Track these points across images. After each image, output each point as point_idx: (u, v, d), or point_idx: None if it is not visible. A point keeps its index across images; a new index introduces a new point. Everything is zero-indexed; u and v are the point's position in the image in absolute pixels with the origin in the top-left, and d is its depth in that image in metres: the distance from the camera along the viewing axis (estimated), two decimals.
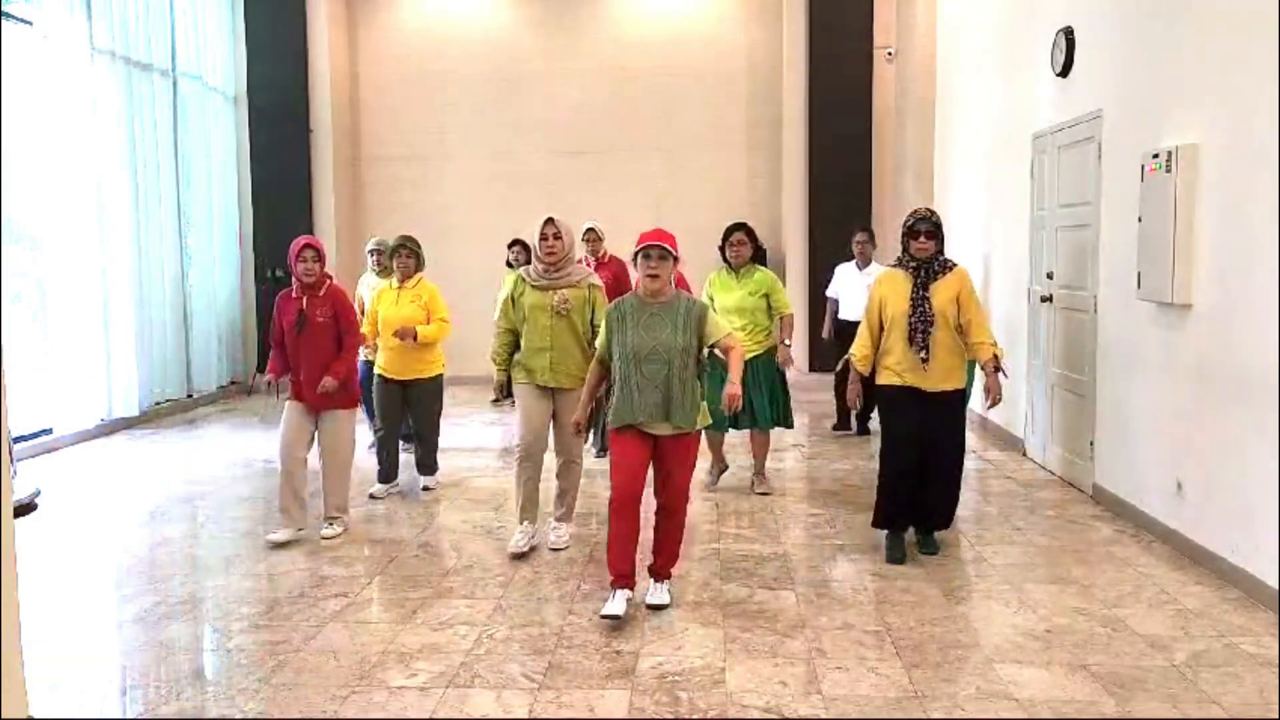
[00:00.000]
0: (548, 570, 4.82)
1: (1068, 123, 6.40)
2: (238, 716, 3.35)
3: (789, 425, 6.37)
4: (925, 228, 4.85)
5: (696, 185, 11.48)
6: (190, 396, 10.17)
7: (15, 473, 6.59)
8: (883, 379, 5.00)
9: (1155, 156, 5.02)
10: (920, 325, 4.81)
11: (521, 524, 5.14)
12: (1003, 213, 7.83)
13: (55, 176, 8.29)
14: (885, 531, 5.01)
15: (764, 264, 6.34)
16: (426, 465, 6.54)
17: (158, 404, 9.59)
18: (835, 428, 8.42)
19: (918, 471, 4.92)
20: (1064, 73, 6.42)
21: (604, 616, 4.07)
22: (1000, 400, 4.86)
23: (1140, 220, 5.21)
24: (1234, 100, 4.50)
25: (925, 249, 4.85)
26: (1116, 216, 5.66)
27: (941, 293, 4.84)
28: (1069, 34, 6.34)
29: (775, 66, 11.30)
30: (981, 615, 4.19)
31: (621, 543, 4.18)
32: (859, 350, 5.05)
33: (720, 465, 6.53)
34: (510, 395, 5.24)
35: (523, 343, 5.12)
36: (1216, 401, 4.62)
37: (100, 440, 8.48)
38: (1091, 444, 6.03)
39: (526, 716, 3.31)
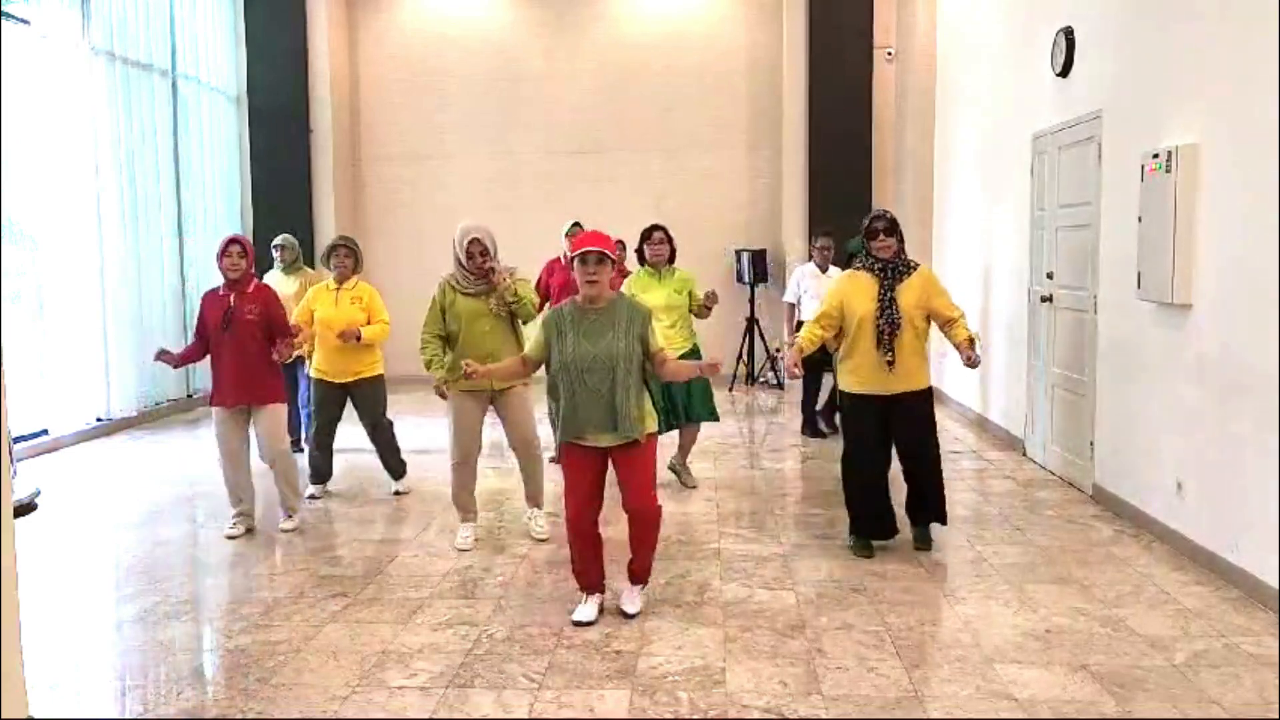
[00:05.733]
0: (548, 570, 4.82)
1: (1068, 123, 6.40)
2: (238, 717, 3.35)
3: (715, 419, 6.44)
4: (883, 225, 4.84)
5: (696, 185, 11.48)
6: (190, 396, 10.16)
7: (15, 473, 6.59)
8: (844, 385, 4.98)
9: (1155, 156, 5.02)
10: (887, 328, 4.78)
11: (464, 523, 5.31)
12: (1003, 213, 7.83)
13: (54, 177, 8.29)
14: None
15: (673, 263, 6.32)
16: (391, 468, 6.46)
17: (157, 404, 9.58)
18: (803, 431, 8.25)
19: (884, 482, 4.99)
20: (1064, 73, 6.42)
21: (574, 622, 4.10)
22: (978, 361, 4.80)
23: (1140, 220, 5.21)
24: (1234, 100, 4.50)
25: (887, 247, 4.84)
26: (1116, 216, 5.66)
27: (908, 294, 4.82)
28: (1069, 34, 6.34)
29: (775, 66, 11.30)
30: (981, 615, 4.19)
31: (583, 563, 4.19)
32: (807, 336, 4.94)
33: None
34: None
35: (459, 349, 5.07)
36: (1216, 401, 4.62)
37: (100, 440, 8.48)
38: (1091, 444, 6.02)
39: (526, 716, 3.31)
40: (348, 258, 6.26)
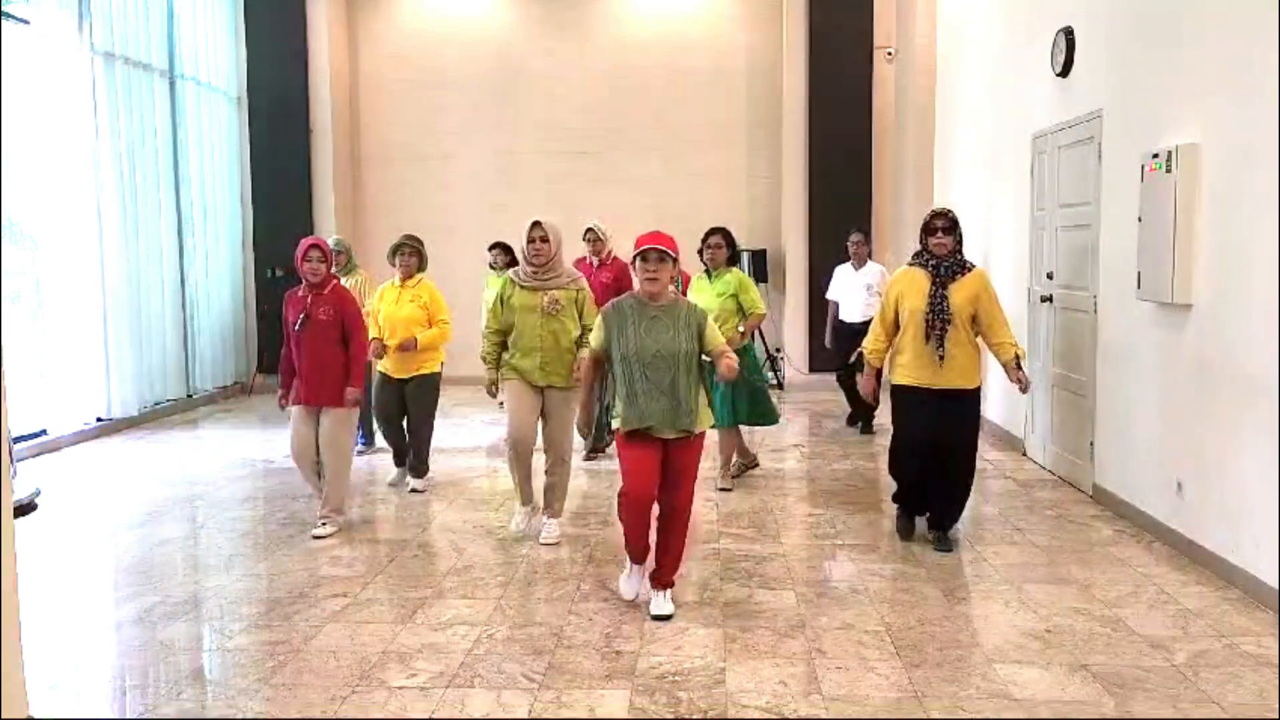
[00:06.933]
0: (547, 570, 4.82)
1: (1068, 123, 6.40)
2: (238, 717, 3.35)
3: (773, 422, 6.45)
4: (942, 224, 4.97)
5: (696, 185, 11.48)
6: (190, 396, 10.16)
7: (15, 473, 6.59)
8: (896, 378, 5.13)
9: (1155, 156, 5.02)
10: (937, 324, 4.89)
11: (520, 506, 5.40)
12: (1003, 213, 7.83)
13: (53, 177, 8.28)
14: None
15: (736, 265, 6.41)
16: (415, 467, 6.51)
17: (157, 404, 9.58)
18: (849, 422, 8.52)
19: (925, 472, 5.08)
20: (1064, 73, 6.42)
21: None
22: (1029, 386, 5.09)
23: (1140, 220, 5.21)
24: (1234, 100, 4.50)
25: (943, 245, 4.96)
26: (1116, 216, 5.66)
27: (960, 292, 4.92)
28: (1069, 34, 6.34)
29: (775, 66, 11.30)
30: (981, 615, 4.19)
31: (636, 534, 4.25)
32: (871, 344, 5.17)
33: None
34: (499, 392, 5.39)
35: (512, 343, 5.24)
36: (1216, 401, 4.62)
37: (100, 440, 8.48)
38: (1091, 444, 6.02)
39: (526, 717, 3.31)
40: (412, 256, 6.41)
